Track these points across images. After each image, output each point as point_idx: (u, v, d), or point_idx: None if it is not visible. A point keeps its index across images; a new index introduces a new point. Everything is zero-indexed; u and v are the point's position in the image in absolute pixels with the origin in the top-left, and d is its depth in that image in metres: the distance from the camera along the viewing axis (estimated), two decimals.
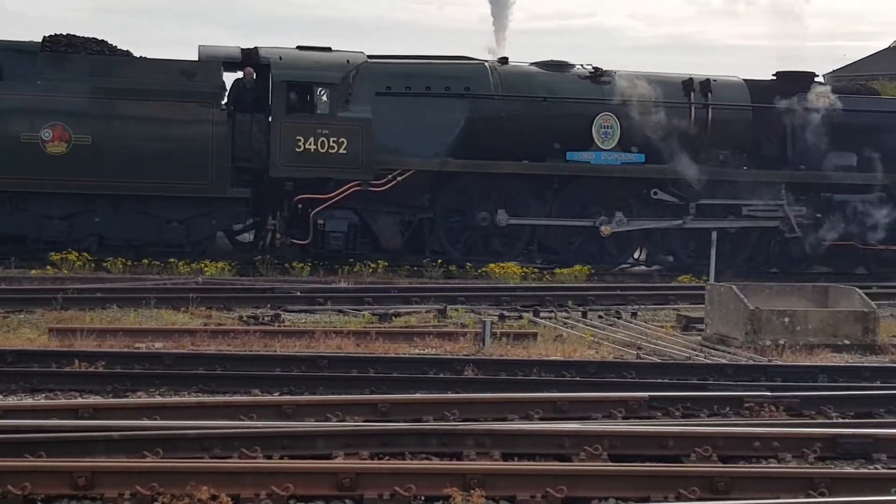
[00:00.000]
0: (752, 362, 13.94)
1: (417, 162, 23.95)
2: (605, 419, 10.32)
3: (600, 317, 18.01)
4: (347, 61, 24.11)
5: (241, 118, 23.60)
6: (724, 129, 25.46)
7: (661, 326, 17.22)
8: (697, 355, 14.63)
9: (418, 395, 10.71)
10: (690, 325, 17.18)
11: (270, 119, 23.59)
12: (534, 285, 22.06)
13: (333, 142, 23.36)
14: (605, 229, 25.00)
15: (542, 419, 10.16)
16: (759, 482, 8.14)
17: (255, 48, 24.29)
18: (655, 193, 25.28)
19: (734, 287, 16.04)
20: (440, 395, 10.67)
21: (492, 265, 23.47)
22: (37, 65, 22.59)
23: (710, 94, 25.53)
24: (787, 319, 15.42)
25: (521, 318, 17.55)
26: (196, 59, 23.81)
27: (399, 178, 23.71)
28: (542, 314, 17.90)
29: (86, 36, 23.68)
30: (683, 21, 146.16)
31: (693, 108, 25.38)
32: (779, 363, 13.83)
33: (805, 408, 11.04)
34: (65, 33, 23.59)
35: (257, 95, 23.95)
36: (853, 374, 13.26)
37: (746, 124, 25.75)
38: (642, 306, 19.59)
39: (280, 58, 23.76)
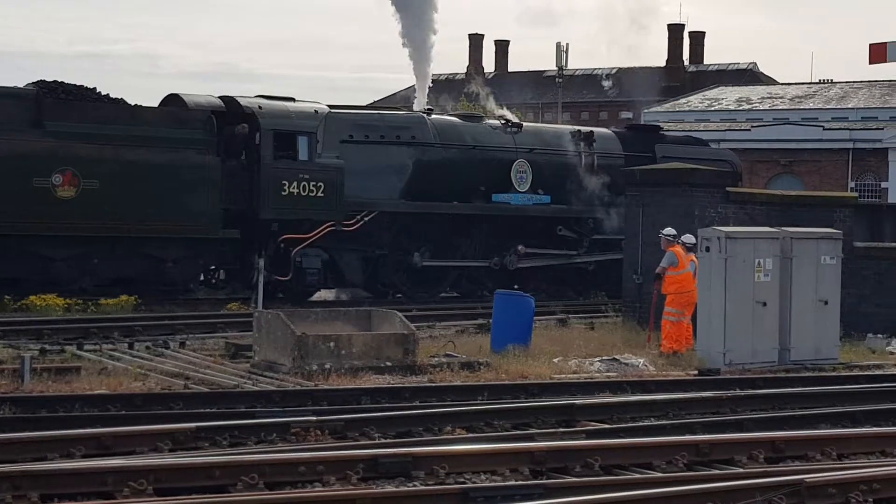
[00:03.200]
0: (299, 387, 14.14)
1: (383, 203, 26.56)
2: (151, 453, 10.13)
3: (148, 347, 17.68)
4: (315, 111, 26.29)
5: (232, 164, 24.96)
6: (606, 174, 29.31)
7: (211, 355, 17.14)
8: (246, 383, 14.67)
9: None
10: (239, 352, 17.20)
11: (259, 165, 25.08)
12: (78, 317, 21.37)
13: (313, 186, 25.42)
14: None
15: (84, 456, 9.82)
16: None
17: (233, 98, 26.01)
18: (560, 230, 29.19)
19: (281, 314, 16.23)
20: None
21: (32, 297, 22.54)
22: (42, 111, 23.04)
23: (593, 144, 29.98)
24: (332, 344, 15.77)
25: (63, 351, 16.90)
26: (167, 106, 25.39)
27: (366, 219, 26.17)
28: (86, 347, 17.34)
29: (73, 83, 24.59)
30: (231, 50, 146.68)
31: (582, 156, 29.59)
32: (325, 387, 14.12)
33: (349, 430, 11.33)
34: (50, 80, 24.55)
35: (245, 144, 25.28)
36: (394, 394, 13.76)
37: (619, 166, 28.91)
38: (191, 335, 19.42)
39: (260, 107, 25.59)
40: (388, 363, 15.89)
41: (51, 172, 22.87)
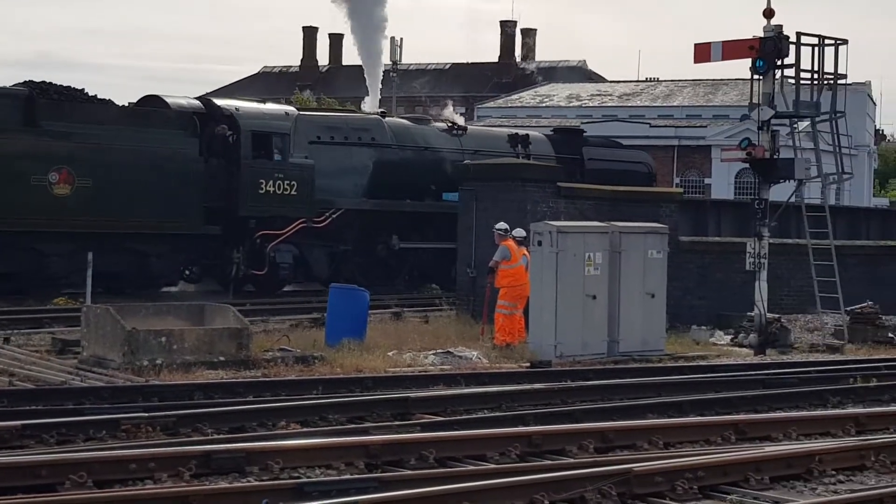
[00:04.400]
0: (129, 383, 13.88)
1: (348, 202, 27.83)
2: None
3: None
4: (287, 113, 27.71)
5: (213, 164, 25.89)
6: None
7: (37, 351, 16.69)
8: (74, 379, 14.33)
9: None
10: (67, 348, 16.80)
11: (239, 164, 26.07)
12: None
13: (287, 184, 26.54)
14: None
15: None
16: None
17: (209, 99, 27.44)
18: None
19: (111, 308, 15.90)
20: None
21: None
22: (37, 111, 23.57)
23: (529, 146, 31.11)
24: (164, 339, 15.52)
25: None
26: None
27: (334, 216, 27.39)
28: None
29: (62, 84, 25.22)
30: (49, 38, 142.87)
31: (519, 157, 30.31)
32: (156, 383, 13.90)
33: (181, 426, 11.17)
34: (38, 80, 25.21)
35: (224, 144, 26.16)
36: (228, 389, 13.62)
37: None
38: (16, 331, 18.87)
39: (237, 109, 26.81)
40: (222, 358, 15.72)
41: (47, 171, 23.55)
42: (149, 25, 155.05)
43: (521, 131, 32.71)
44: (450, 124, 30.94)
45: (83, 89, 25.62)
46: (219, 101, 27.21)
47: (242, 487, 8.74)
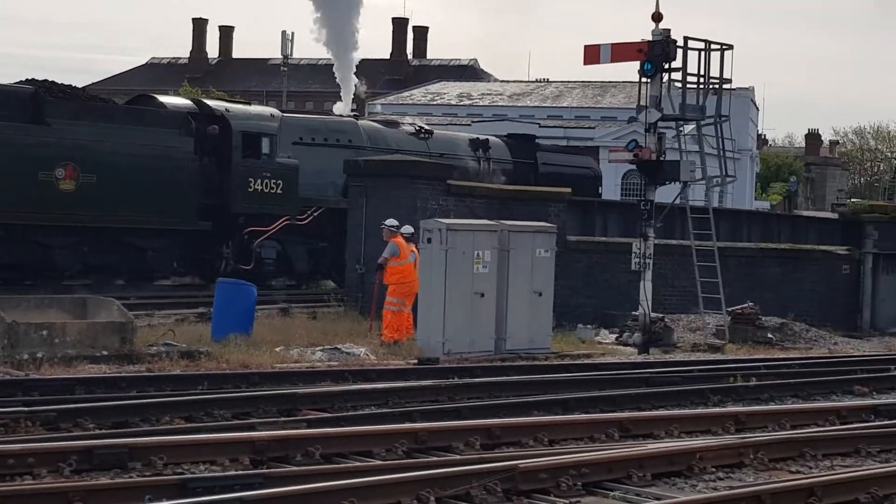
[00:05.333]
0: (8, 377, 13.58)
1: (328, 200, 28.50)
2: None
3: None
4: (272, 115, 28.64)
5: (206, 162, 26.76)
6: (498, 177, 30.78)
7: None
8: None
9: None
10: None
11: (230, 164, 27.00)
12: None
13: (273, 183, 27.52)
14: None
15: None
16: (16, 500, 7.94)
17: (200, 100, 28.94)
18: None
19: None
20: None
21: None
22: (44, 108, 24.18)
23: (489, 150, 32.25)
24: (45, 332, 15.23)
25: None
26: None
27: (315, 214, 28.20)
28: None
29: (64, 83, 25.99)
30: None
31: (480, 161, 31.74)
32: (36, 377, 13.62)
33: (62, 421, 10.98)
34: (41, 79, 25.94)
35: (216, 143, 27.02)
36: (110, 384, 13.42)
37: (508, 172, 31.87)
38: None
39: (227, 109, 27.97)
40: (105, 352, 15.48)
41: (54, 166, 24.09)
42: (30, 10, 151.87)
43: (482, 136, 34.04)
44: (417, 128, 31.92)
45: (84, 88, 26.71)
46: (210, 102, 28.65)
47: (124, 483, 8.61)
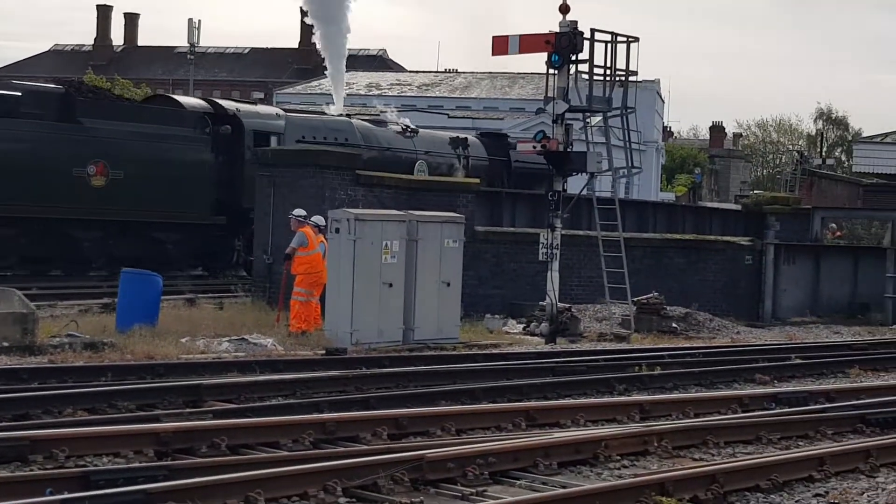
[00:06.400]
0: None
1: None
2: None
3: None
4: (277, 114, 30.09)
5: (220, 159, 28.29)
6: (476, 173, 31.36)
7: None
8: None
9: None
10: None
11: (243, 161, 28.06)
12: None
13: None
14: None
15: None
16: None
17: (214, 100, 30.31)
18: None
19: None
20: None
21: None
22: (75, 108, 25.75)
23: (468, 148, 32.96)
24: None
25: None
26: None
27: None
28: None
29: (90, 84, 28.27)
30: None
31: (460, 159, 32.32)
32: None
33: None
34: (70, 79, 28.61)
35: (228, 141, 28.47)
36: (11, 376, 13.19)
37: (485, 169, 32.83)
38: None
39: (238, 109, 29.50)
40: (5, 343, 15.24)
41: (86, 163, 25.54)
42: None
43: (461, 135, 34.76)
44: (403, 127, 32.47)
45: (109, 90, 28.56)
46: (222, 102, 30.16)
47: (25, 476, 8.49)
